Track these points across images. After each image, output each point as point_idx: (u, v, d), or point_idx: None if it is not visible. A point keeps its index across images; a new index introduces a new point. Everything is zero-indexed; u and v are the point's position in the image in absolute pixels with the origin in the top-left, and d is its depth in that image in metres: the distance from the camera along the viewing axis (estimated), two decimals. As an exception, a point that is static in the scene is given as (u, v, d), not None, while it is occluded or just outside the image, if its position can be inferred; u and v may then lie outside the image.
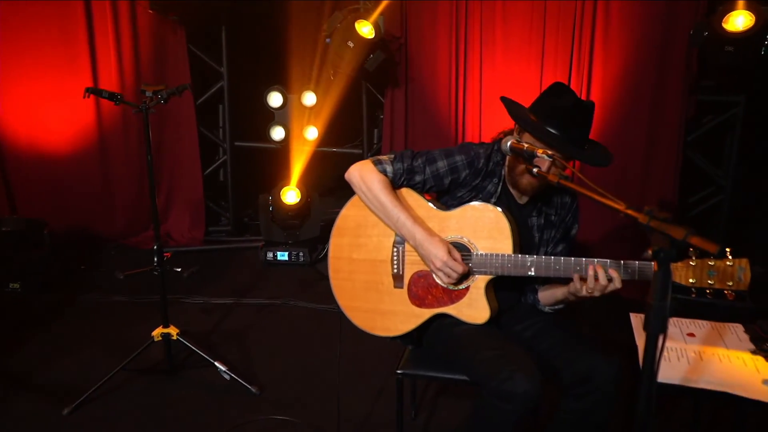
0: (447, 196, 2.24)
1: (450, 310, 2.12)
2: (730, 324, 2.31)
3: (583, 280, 1.96)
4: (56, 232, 4.57)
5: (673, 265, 1.94)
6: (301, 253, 4.80)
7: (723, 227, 4.26)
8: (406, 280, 2.18)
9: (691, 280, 1.85)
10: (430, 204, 2.17)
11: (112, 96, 2.83)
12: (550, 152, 1.76)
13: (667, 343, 2.21)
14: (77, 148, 4.92)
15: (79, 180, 4.99)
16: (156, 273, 3.04)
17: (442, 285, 2.13)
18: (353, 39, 4.27)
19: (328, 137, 5.11)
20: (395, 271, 2.19)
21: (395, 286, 2.19)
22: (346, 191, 2.28)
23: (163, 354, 3.12)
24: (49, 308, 3.90)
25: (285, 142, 4.99)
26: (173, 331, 3.06)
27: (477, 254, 2.08)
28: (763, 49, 3.32)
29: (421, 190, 2.21)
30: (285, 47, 4.90)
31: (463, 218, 2.11)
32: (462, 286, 2.11)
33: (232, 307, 4.01)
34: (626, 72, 4.07)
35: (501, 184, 2.18)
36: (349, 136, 5.43)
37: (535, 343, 2.14)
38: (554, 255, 2.21)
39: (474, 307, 2.09)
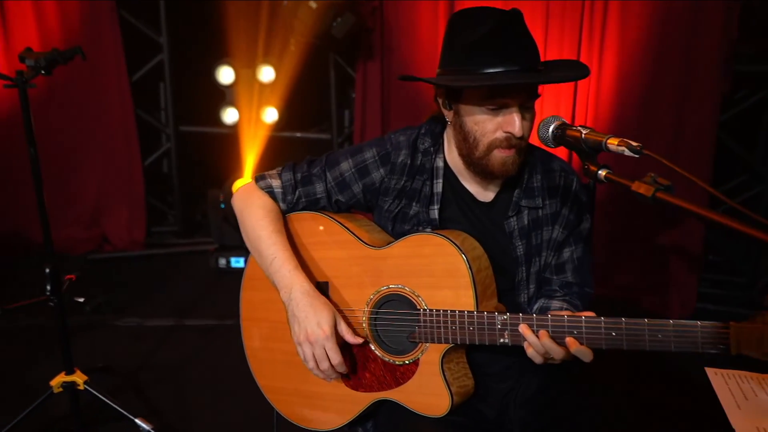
0: (381, 218, 1.59)
1: (395, 395, 1.45)
2: None
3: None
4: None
5: (735, 326, 1.21)
6: (259, 259, 4.04)
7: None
8: None
9: (769, 352, 1.14)
10: (358, 239, 1.49)
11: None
12: (635, 144, 1.02)
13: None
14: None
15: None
16: (52, 304, 2.29)
17: (381, 357, 1.46)
18: (316, -2, 3.52)
19: (291, 120, 4.40)
20: None
21: None
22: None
23: (68, 408, 2.39)
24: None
25: (239, 126, 4.21)
26: (79, 378, 2.37)
27: (425, 312, 1.39)
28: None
29: (336, 209, 1.59)
30: (235, 11, 4.11)
31: (402, 257, 1.44)
32: (407, 360, 1.43)
33: (172, 331, 3.32)
34: (649, 35, 3.36)
35: (441, 179, 1.51)
36: (316, 118, 4.72)
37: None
38: (558, 267, 1.56)
39: (426, 393, 1.41)
